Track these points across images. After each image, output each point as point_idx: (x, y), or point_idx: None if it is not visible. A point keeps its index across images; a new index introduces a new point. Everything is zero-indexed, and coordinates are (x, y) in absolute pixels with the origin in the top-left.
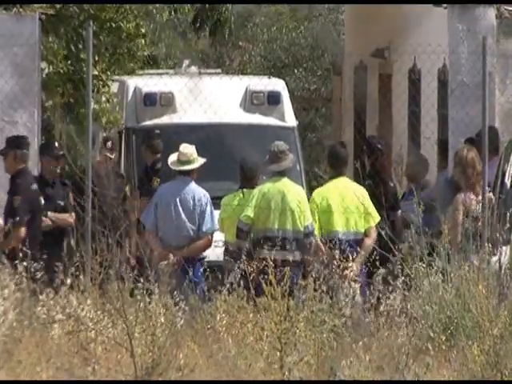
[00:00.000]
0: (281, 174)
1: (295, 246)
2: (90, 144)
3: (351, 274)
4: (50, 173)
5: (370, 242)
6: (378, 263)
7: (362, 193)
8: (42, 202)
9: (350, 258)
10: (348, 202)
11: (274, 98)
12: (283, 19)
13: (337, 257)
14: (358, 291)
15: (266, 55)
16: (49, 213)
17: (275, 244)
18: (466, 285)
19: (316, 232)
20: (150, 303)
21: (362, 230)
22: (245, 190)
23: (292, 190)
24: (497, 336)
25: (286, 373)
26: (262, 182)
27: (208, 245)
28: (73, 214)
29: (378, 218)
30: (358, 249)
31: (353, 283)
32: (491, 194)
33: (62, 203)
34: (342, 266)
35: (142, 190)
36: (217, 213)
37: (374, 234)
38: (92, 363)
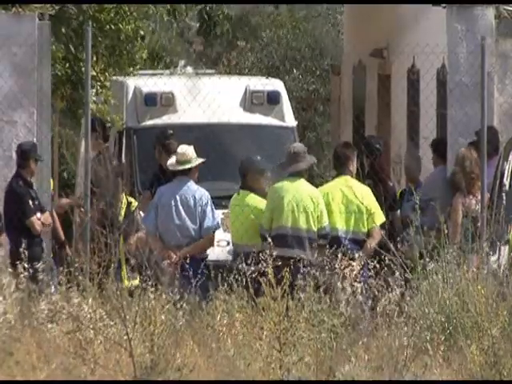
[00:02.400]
0: (297, 175)
1: (308, 245)
2: (89, 143)
3: (352, 273)
4: (31, 174)
5: (372, 242)
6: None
7: (365, 193)
8: (31, 203)
9: (351, 257)
10: (349, 202)
11: (273, 98)
12: (281, 19)
13: (338, 255)
14: (359, 290)
15: (263, 56)
16: (38, 214)
17: (288, 242)
18: (465, 285)
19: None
20: (149, 303)
21: (364, 230)
22: (241, 191)
23: (307, 191)
24: (496, 336)
25: (285, 373)
26: (271, 183)
27: (210, 243)
28: (48, 213)
29: (382, 219)
30: (357, 248)
31: (355, 283)
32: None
33: (37, 203)
34: (343, 265)
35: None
36: (217, 212)
37: (376, 235)
38: (91, 363)
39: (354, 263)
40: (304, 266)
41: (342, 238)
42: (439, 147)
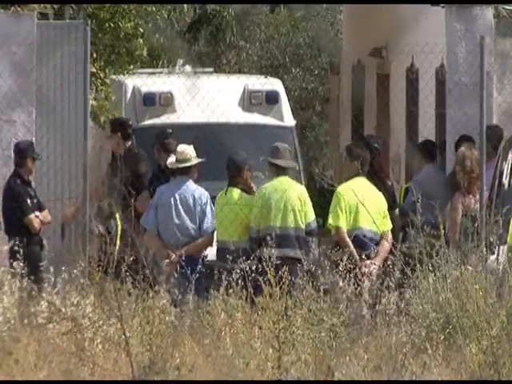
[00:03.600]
0: (280, 173)
1: (297, 244)
2: (88, 142)
3: (373, 271)
4: (29, 173)
5: (388, 244)
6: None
7: (380, 195)
8: (29, 202)
9: (371, 257)
10: (370, 202)
11: (272, 98)
12: (280, 18)
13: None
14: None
15: (262, 55)
16: (36, 212)
17: (277, 242)
18: (464, 284)
19: (344, 227)
20: (148, 302)
21: (379, 232)
22: (233, 188)
23: (293, 188)
24: (495, 335)
25: (284, 372)
26: (267, 180)
27: (209, 243)
28: (46, 211)
29: (390, 224)
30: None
31: (365, 281)
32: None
33: (35, 201)
34: (364, 263)
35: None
36: None
37: (390, 238)
38: (89, 363)
39: (374, 261)
40: (300, 264)
41: (367, 238)
42: (427, 148)
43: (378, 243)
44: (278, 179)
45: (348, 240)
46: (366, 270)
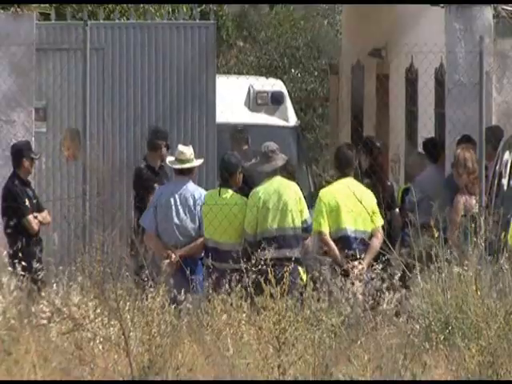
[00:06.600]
0: (273, 173)
1: (295, 243)
2: (88, 142)
3: (360, 272)
4: (27, 173)
5: (377, 242)
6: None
7: (368, 194)
8: (27, 203)
9: (358, 257)
10: (354, 202)
11: (277, 98)
12: (279, 18)
13: (346, 255)
14: (361, 290)
15: (262, 55)
16: (35, 213)
17: (274, 243)
18: (463, 284)
19: (326, 230)
20: (147, 302)
21: (369, 231)
22: (222, 189)
23: (287, 188)
24: (493, 336)
25: (284, 372)
26: (261, 183)
27: None
28: (46, 211)
29: (382, 221)
30: (364, 248)
31: (357, 282)
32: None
33: (35, 202)
34: (351, 265)
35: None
36: None
37: (380, 235)
38: (89, 363)
39: (362, 262)
40: (297, 262)
41: (352, 238)
42: (429, 147)
43: (365, 241)
44: (272, 180)
45: (331, 243)
46: (355, 271)
